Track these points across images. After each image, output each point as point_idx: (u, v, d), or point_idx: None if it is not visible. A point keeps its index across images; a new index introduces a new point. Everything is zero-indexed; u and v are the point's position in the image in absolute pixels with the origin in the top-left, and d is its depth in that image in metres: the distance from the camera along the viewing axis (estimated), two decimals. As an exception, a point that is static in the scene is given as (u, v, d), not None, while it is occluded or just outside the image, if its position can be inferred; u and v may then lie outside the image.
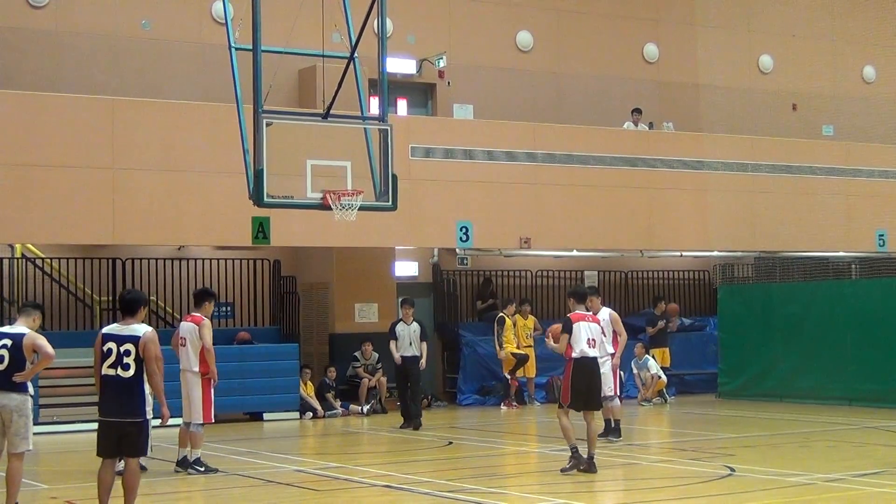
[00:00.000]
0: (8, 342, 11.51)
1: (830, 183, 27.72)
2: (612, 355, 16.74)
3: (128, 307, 11.28)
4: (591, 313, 14.73)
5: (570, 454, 13.86)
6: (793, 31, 31.45)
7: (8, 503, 11.36)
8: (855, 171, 28.10)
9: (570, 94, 28.31)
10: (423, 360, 19.98)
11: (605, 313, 16.90)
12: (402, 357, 19.94)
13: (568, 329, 14.03)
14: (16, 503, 11.38)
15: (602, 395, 16.61)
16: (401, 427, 19.89)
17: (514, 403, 23.23)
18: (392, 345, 20.02)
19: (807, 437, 17.79)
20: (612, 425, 17.05)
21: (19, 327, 11.72)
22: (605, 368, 16.52)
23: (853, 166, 28.15)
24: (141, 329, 11.06)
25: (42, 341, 11.55)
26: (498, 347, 23.25)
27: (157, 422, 12.49)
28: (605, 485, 13.21)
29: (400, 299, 21.14)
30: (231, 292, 23.49)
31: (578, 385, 13.94)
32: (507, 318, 23.38)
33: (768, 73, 31.31)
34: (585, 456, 13.80)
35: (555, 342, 14.42)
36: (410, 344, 19.90)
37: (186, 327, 14.63)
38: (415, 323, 20.02)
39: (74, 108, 20.89)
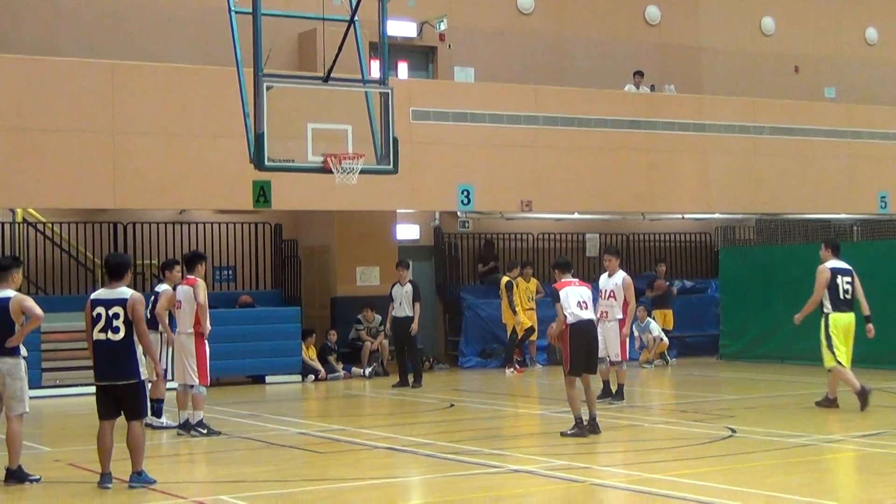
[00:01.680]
0: (193, 295, 12.08)
1: (832, 145, 27.70)
2: (621, 321, 16.87)
3: (114, 271, 11.40)
4: (577, 279, 14.61)
5: (574, 423, 13.83)
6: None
7: (10, 465, 11.43)
8: (857, 132, 28.06)
9: (572, 57, 28.22)
10: (416, 323, 20.32)
11: (619, 277, 17.05)
12: (395, 318, 20.47)
13: (556, 298, 14.07)
14: (18, 466, 11.43)
15: (610, 360, 16.89)
16: (393, 386, 20.14)
17: (520, 367, 23.29)
18: (390, 307, 20.30)
19: (807, 398, 17.79)
20: (618, 388, 17.14)
21: (5, 291, 11.59)
22: (614, 333, 16.79)
23: (855, 128, 28.11)
24: (128, 291, 11.19)
25: (29, 303, 11.57)
26: (511, 312, 23.28)
27: (153, 378, 12.68)
28: (608, 446, 13.27)
29: (397, 262, 21.46)
30: (232, 256, 23.54)
31: (577, 348, 13.96)
32: (513, 282, 23.41)
33: (770, 35, 31.19)
34: (587, 418, 13.86)
35: (554, 340, 14.75)
36: (402, 304, 20.34)
37: (182, 291, 14.71)
38: (409, 284, 20.40)
39: (75, 72, 20.85)
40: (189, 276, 14.80)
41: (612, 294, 16.89)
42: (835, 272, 16.09)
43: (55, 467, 12.47)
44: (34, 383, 19.71)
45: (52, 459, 13.06)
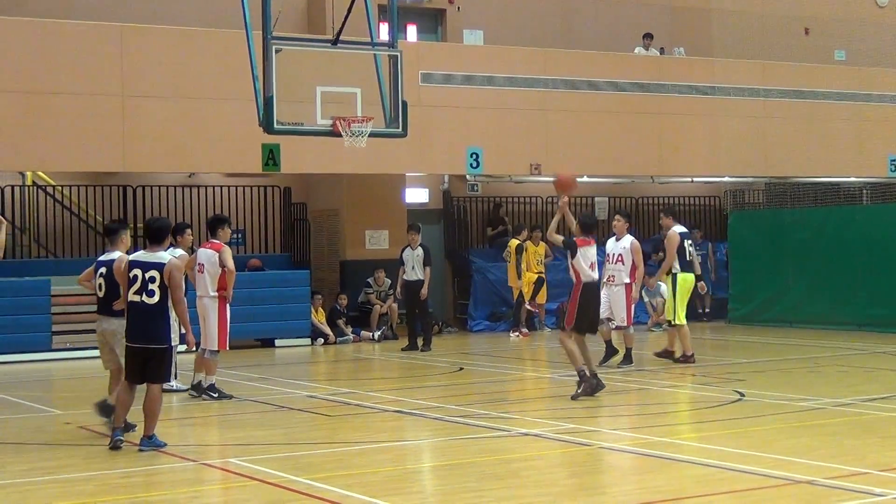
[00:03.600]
0: (104, 270, 11.99)
1: (842, 108, 27.62)
2: (627, 285, 16.85)
3: (155, 235, 11.46)
4: (592, 238, 14.58)
5: (577, 379, 13.91)
6: (806, -47, 31.17)
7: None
8: (867, 95, 27.97)
9: (581, 19, 28.15)
10: (426, 287, 20.30)
11: (628, 241, 17.04)
12: (406, 281, 20.44)
13: (574, 251, 14.06)
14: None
15: (616, 324, 17.06)
16: (402, 349, 20.26)
17: (526, 331, 23.32)
18: (400, 270, 20.31)
19: (816, 362, 17.85)
20: (626, 352, 17.23)
21: (113, 254, 12.07)
22: (621, 297, 16.84)
23: (865, 91, 27.99)
24: (166, 256, 11.26)
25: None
26: (517, 276, 23.34)
27: (184, 347, 12.69)
28: (617, 409, 13.33)
29: (408, 225, 21.42)
30: (242, 219, 23.58)
31: (585, 308, 14.01)
32: (523, 245, 23.40)
33: (782, -3, 31.04)
34: (589, 374, 13.86)
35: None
36: (413, 268, 20.33)
37: (204, 254, 14.64)
38: (420, 247, 20.38)
39: (84, 35, 20.81)
40: (213, 241, 14.74)
41: (619, 258, 16.86)
42: (682, 236, 17.30)
43: (65, 430, 12.56)
44: (44, 347, 20.01)
45: (62, 422, 13.13)
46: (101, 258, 12.41)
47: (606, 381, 14.13)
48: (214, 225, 14.85)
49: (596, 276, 14.29)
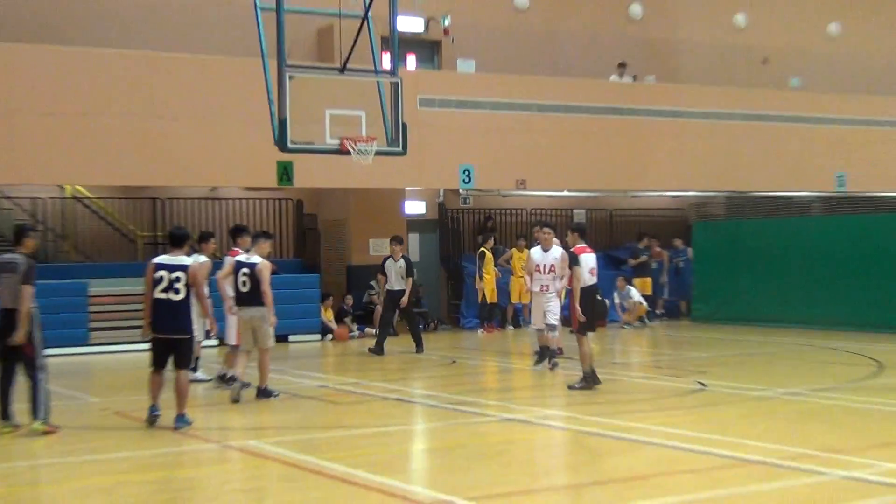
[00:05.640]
0: (247, 270, 13.38)
1: (795, 129, 27.67)
2: (559, 292, 15.68)
3: (176, 241, 11.75)
4: (588, 246, 14.22)
5: (582, 376, 13.75)
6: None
7: (260, 385, 13.48)
8: (818, 118, 28.01)
9: (562, 50, 28.19)
10: (405, 297, 19.05)
11: (557, 252, 15.55)
12: (389, 291, 19.38)
13: (576, 262, 13.87)
14: (265, 386, 13.47)
15: (546, 323, 15.77)
16: (369, 349, 19.19)
17: (491, 327, 23.53)
18: (380, 278, 19.66)
19: (771, 356, 17.92)
20: (550, 352, 16.02)
21: (254, 258, 13.62)
22: (554, 303, 15.66)
23: (816, 115, 28.06)
24: (188, 260, 11.61)
25: (267, 268, 13.57)
26: (479, 279, 23.52)
27: (207, 342, 13.03)
28: (591, 398, 13.31)
29: (390, 237, 20.41)
30: (258, 228, 23.45)
31: (587, 311, 13.77)
32: (486, 252, 23.62)
33: (742, 29, 31.14)
34: (591, 372, 13.78)
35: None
36: (397, 279, 19.20)
37: (228, 261, 14.35)
38: (402, 259, 19.35)
39: (117, 62, 20.83)
40: (235, 248, 14.49)
41: (551, 268, 15.51)
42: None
43: (102, 416, 12.63)
44: (82, 342, 20.06)
45: (99, 409, 13.19)
46: (240, 259, 13.69)
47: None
48: (235, 234, 14.82)
49: (594, 280, 13.97)
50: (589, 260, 14.00)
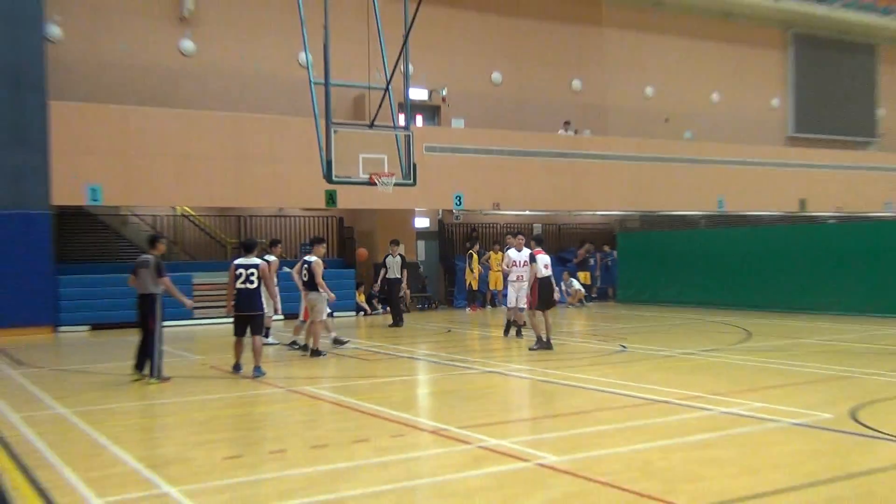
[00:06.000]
0: (307, 266, 13.45)
1: (689, 168, 27.73)
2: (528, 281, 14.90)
3: (248, 247, 11.93)
4: (543, 250, 14.21)
5: (536, 339, 13.88)
6: (667, 70, 31.33)
7: (312, 346, 13.36)
8: (704, 160, 28.08)
9: (525, 111, 28.24)
10: (405, 283, 19.24)
11: (526, 252, 14.76)
12: (388, 279, 18.93)
13: (533, 260, 13.99)
14: (317, 347, 13.33)
15: (520, 307, 15.36)
16: (389, 325, 18.94)
17: (476, 306, 23.44)
18: (383, 271, 19.12)
19: (673, 327, 17.91)
20: (517, 325, 15.68)
21: (311, 257, 13.62)
22: (525, 290, 14.97)
23: (703, 157, 28.11)
24: (257, 260, 11.74)
25: (319, 265, 13.44)
26: (470, 271, 23.38)
27: (278, 316, 12.98)
28: (546, 356, 13.33)
29: (390, 240, 19.74)
30: (311, 237, 23.59)
31: (542, 294, 13.92)
32: (472, 254, 23.48)
33: (650, 98, 31.19)
34: (545, 339, 13.85)
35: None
36: (394, 270, 18.89)
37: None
38: (398, 255, 18.97)
39: (214, 121, 20.89)
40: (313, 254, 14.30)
41: (525, 263, 14.90)
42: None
43: (202, 368, 12.60)
44: (188, 317, 20.07)
45: (200, 364, 13.16)
46: (307, 258, 13.68)
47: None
48: (314, 242, 14.42)
49: (548, 273, 13.95)
50: (543, 259, 14.06)
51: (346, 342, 14.88)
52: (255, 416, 9.11)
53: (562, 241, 28.41)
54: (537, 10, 28.62)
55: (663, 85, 31.30)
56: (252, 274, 11.50)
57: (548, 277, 14.08)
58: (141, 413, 9.38)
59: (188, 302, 11.47)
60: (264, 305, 11.96)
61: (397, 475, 6.41)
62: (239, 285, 11.50)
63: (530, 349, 13.80)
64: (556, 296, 14.67)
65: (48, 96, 19.05)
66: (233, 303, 11.58)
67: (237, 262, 11.67)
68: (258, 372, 11.35)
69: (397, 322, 18.94)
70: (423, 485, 6.20)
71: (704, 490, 5.89)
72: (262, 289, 11.72)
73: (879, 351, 13.24)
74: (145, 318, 11.07)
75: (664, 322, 19.17)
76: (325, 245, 14.53)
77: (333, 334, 14.79)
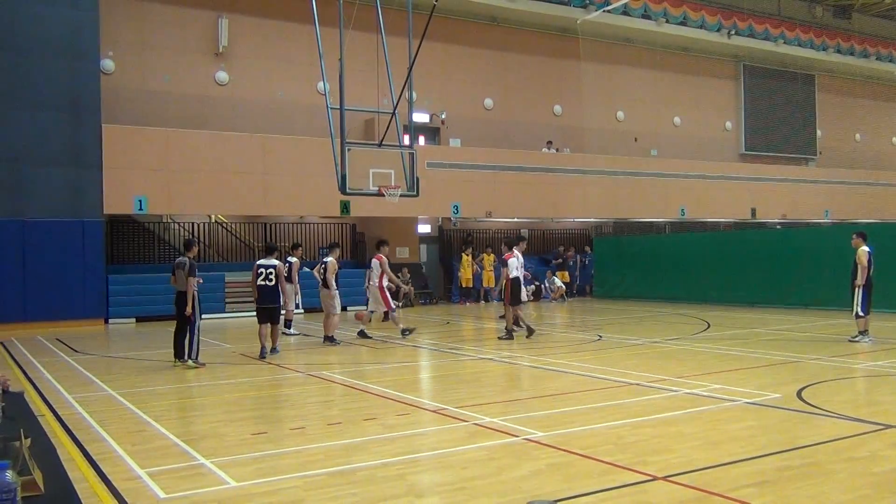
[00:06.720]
0: (323, 266, 13.29)
1: (655, 181, 27.65)
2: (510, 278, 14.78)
3: (269, 250, 12.26)
4: (514, 254, 14.08)
5: (506, 330, 13.89)
6: (635, 97, 31.26)
7: (326, 333, 13.20)
8: (668, 174, 28.03)
9: (514, 132, 28.17)
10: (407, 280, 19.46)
11: (522, 257, 14.57)
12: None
13: (504, 264, 14.03)
14: (332, 335, 13.16)
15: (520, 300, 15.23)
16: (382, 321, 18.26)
17: (470, 301, 23.33)
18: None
19: (640, 319, 17.84)
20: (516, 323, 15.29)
21: (327, 258, 13.39)
22: (523, 287, 14.99)
23: (667, 171, 28.06)
24: (275, 261, 12.05)
25: (332, 266, 13.20)
26: (463, 270, 23.38)
27: (292, 306, 12.94)
28: (530, 343, 13.31)
29: (376, 241, 19.75)
30: (329, 242, 23.51)
31: (515, 292, 13.96)
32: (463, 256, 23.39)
33: (622, 121, 31.09)
34: (516, 329, 13.77)
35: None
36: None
37: (373, 262, 14.41)
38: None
39: (243, 141, 20.82)
40: (378, 254, 14.36)
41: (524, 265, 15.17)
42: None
43: (232, 355, 12.52)
44: (220, 310, 19.95)
45: (230, 352, 13.09)
46: (327, 259, 13.34)
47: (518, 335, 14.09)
48: (379, 245, 14.18)
49: (518, 274, 14.00)
50: (513, 262, 13.95)
51: (411, 330, 14.60)
52: (278, 397, 9.04)
53: (545, 245, 28.35)
54: (523, 46, 28.59)
55: (632, 110, 31.24)
56: (271, 273, 11.98)
57: (517, 279, 13.99)
58: (179, 394, 9.31)
59: (189, 309, 11.04)
60: (289, 301, 12.24)
61: (402, 448, 6.35)
62: (260, 282, 11.97)
63: (499, 338, 13.77)
64: (524, 296, 14.64)
65: (102, 120, 19.22)
66: (256, 296, 12.05)
67: (259, 262, 12.18)
68: (275, 351, 12.04)
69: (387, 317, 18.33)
70: (425, 457, 6.14)
71: (671, 461, 5.83)
72: (287, 285, 11.94)
73: (821, 339, 13.19)
74: (181, 312, 11.06)
75: (635, 315, 19.12)
76: (339, 249, 14.46)
77: (362, 328, 14.52)
